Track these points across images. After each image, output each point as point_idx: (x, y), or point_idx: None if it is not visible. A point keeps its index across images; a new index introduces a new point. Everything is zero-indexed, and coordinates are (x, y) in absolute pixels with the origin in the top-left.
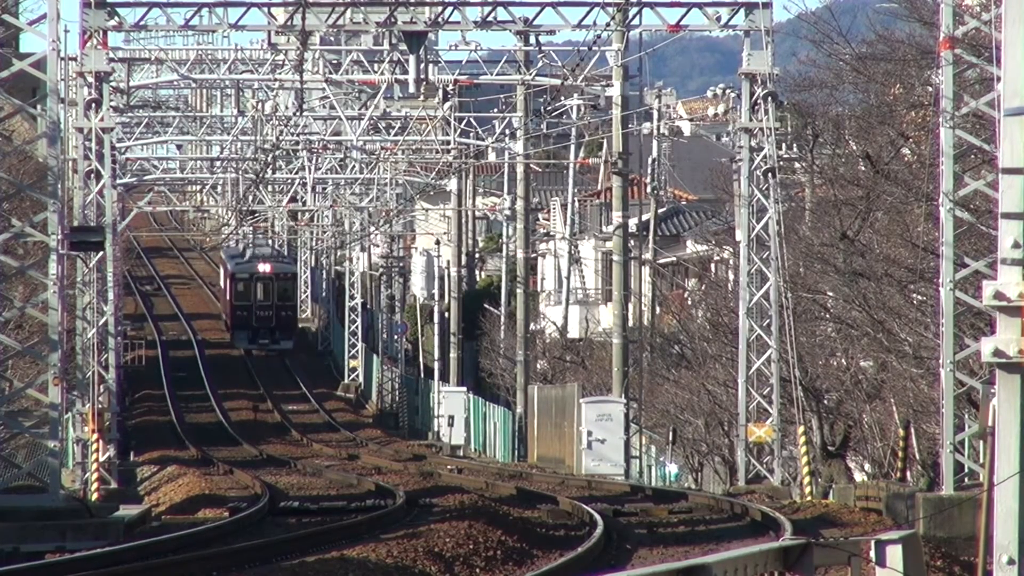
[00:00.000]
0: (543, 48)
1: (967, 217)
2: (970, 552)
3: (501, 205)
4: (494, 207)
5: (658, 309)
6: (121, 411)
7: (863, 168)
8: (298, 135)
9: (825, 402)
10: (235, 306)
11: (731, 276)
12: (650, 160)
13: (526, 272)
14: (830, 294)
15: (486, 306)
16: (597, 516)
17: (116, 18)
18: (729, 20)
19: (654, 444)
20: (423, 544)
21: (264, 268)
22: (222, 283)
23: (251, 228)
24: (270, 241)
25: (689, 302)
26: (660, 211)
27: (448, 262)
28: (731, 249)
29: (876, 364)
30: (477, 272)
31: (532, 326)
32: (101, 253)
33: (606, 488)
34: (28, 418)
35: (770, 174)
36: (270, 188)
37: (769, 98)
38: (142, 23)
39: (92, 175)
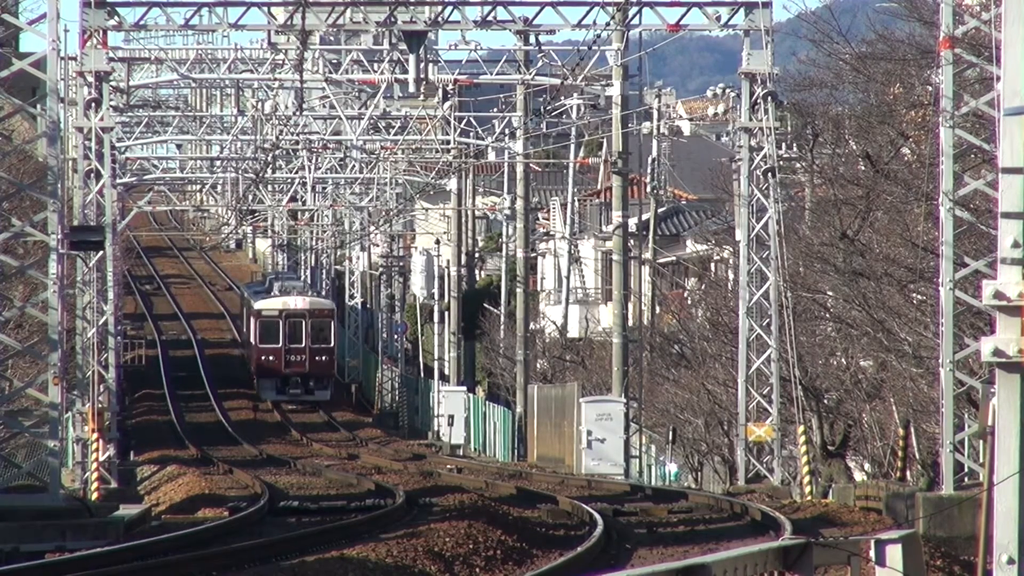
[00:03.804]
0: (543, 48)
1: (967, 217)
2: (970, 552)
3: (501, 205)
4: (494, 207)
5: (658, 309)
6: (121, 411)
7: (863, 168)
8: (298, 135)
9: (825, 402)
10: (261, 350)
11: (731, 276)
12: (650, 160)
13: (526, 272)
14: (830, 294)
15: (486, 306)
16: (597, 516)
17: (116, 18)
18: (729, 20)
19: (654, 444)
20: (423, 544)
21: (296, 304)
22: (243, 321)
23: (251, 228)
24: (302, 274)
25: (689, 302)
26: (660, 211)
27: (448, 262)
28: (731, 249)
29: (876, 364)
30: (477, 272)
31: (532, 326)
32: (101, 253)
33: (606, 488)
34: (28, 418)
35: (770, 174)
36: (270, 188)
37: (769, 98)
38: (142, 23)
39: (92, 175)
